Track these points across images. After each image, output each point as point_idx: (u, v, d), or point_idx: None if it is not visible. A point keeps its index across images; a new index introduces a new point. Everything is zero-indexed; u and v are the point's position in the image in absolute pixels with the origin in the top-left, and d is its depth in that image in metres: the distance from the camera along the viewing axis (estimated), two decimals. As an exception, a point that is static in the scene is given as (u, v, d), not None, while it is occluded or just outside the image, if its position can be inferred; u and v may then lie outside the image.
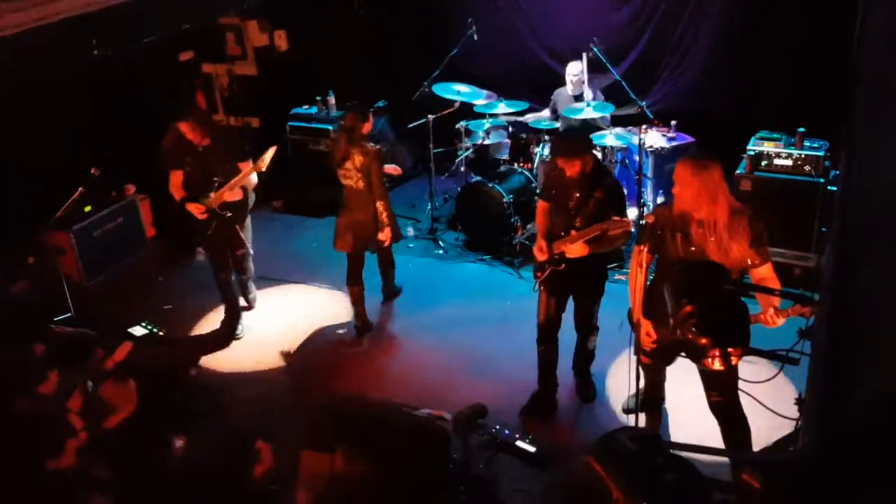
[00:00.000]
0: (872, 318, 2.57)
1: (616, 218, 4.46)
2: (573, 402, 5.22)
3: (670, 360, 4.30)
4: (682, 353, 3.98)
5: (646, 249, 3.83)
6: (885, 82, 2.62)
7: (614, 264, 6.63)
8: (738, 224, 3.74)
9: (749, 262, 3.77)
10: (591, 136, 5.55)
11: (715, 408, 4.12)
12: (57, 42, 5.06)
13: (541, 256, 4.80)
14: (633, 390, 4.12)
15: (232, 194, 5.56)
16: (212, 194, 5.55)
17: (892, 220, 2.26)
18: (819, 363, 3.31)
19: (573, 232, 4.61)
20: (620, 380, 5.18)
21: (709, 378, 4.04)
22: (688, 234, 3.82)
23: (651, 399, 4.56)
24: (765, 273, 3.81)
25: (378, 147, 5.66)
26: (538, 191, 5.00)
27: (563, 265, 4.71)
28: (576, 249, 4.57)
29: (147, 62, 6.87)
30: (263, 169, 5.50)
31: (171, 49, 8.03)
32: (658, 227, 3.90)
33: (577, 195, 4.62)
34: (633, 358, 4.05)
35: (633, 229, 4.60)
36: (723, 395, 4.05)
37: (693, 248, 3.81)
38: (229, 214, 5.67)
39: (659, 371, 4.48)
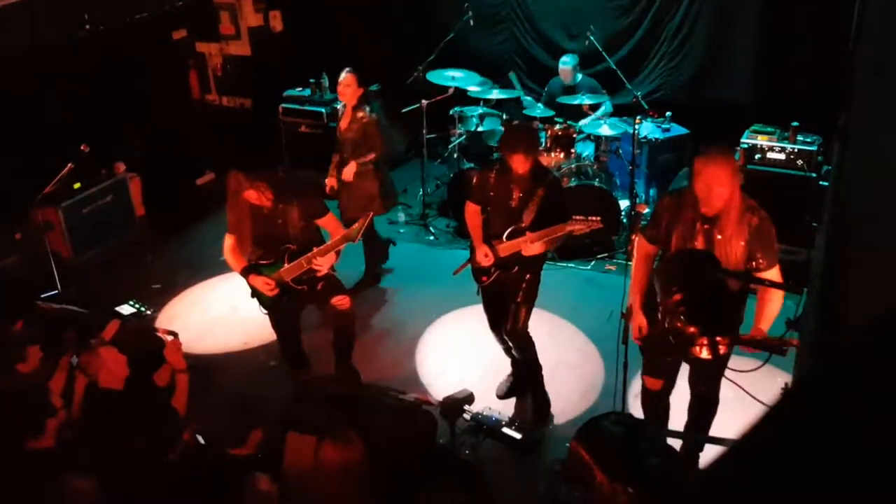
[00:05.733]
0: (861, 308, 2.57)
1: (578, 217, 4.30)
2: (556, 389, 5.21)
3: (667, 354, 4.01)
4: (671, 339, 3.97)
5: (642, 239, 3.81)
6: (881, 75, 2.62)
7: (605, 254, 6.63)
8: (746, 221, 3.51)
9: (754, 264, 3.54)
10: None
11: (698, 397, 4.10)
12: (47, 17, 5.01)
13: (487, 262, 4.57)
14: (622, 381, 4.13)
15: (317, 263, 4.40)
16: (285, 265, 4.46)
17: (883, 210, 2.25)
18: (807, 353, 3.32)
19: (528, 233, 4.40)
20: (607, 369, 5.21)
21: (699, 369, 3.97)
22: (693, 229, 3.59)
23: (653, 409, 4.26)
24: (771, 276, 3.55)
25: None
26: (469, 192, 4.69)
27: (516, 268, 4.53)
28: (535, 248, 4.41)
29: (139, 39, 6.81)
30: (357, 240, 4.43)
31: (164, 27, 7.96)
32: (663, 220, 3.72)
33: (520, 194, 4.42)
34: (622, 347, 4.05)
35: (601, 226, 4.44)
36: (709, 387, 4.01)
37: (696, 244, 3.58)
38: (305, 288, 4.58)
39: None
